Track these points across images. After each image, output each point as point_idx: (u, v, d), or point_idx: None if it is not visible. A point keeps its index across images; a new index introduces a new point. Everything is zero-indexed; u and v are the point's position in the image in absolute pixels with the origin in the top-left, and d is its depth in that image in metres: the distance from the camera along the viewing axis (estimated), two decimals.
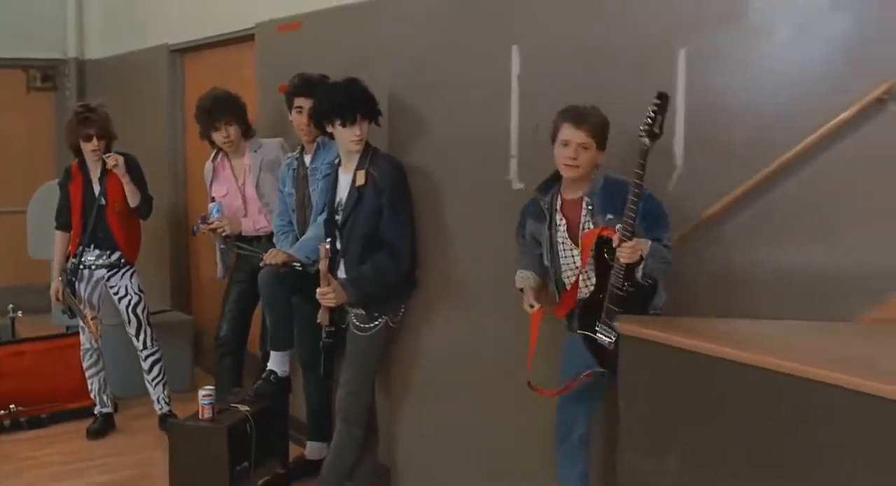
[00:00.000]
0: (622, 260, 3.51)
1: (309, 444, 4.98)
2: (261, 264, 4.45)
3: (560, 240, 3.75)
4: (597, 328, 3.67)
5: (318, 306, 4.21)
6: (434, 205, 4.34)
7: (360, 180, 4.14)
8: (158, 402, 5.65)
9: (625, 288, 3.59)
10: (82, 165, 5.44)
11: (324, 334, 4.29)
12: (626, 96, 3.99)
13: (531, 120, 4.11)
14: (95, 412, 5.71)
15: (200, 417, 4.39)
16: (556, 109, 4.04)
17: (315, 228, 4.43)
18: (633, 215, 3.46)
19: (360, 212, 4.14)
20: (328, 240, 4.21)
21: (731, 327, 3.54)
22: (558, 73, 4.10)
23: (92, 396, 5.69)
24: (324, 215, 4.33)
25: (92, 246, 5.44)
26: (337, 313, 4.26)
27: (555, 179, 3.78)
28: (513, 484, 4.28)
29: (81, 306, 5.43)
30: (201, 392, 4.42)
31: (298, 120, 4.62)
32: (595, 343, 3.66)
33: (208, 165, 5.34)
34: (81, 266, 5.44)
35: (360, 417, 4.31)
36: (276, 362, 4.61)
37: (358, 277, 4.14)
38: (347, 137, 4.12)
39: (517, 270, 3.88)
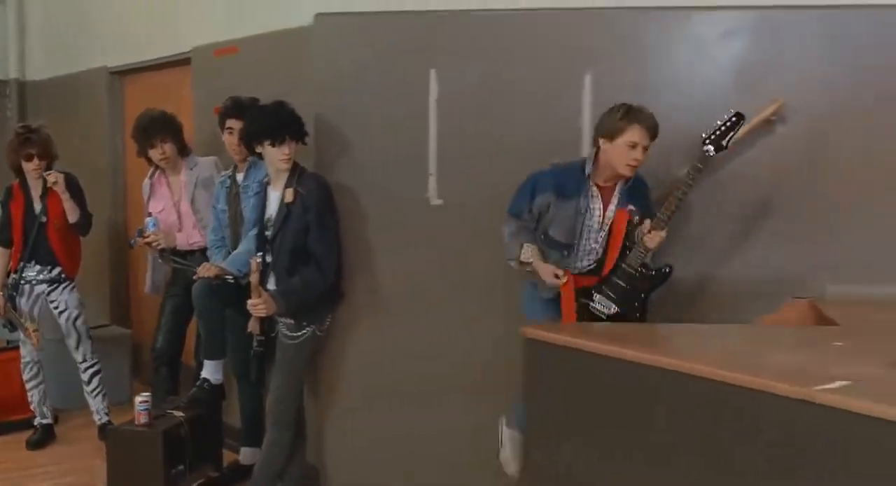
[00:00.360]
0: (649, 246, 3.86)
1: (243, 449, 5.16)
2: (194, 278, 4.65)
3: (589, 224, 4.01)
4: (595, 298, 3.97)
5: (249, 316, 4.42)
6: (359, 220, 4.57)
7: (289, 198, 4.35)
8: (98, 413, 5.81)
9: (640, 270, 3.93)
10: (23, 184, 5.62)
11: (255, 344, 4.49)
12: (536, 118, 4.30)
13: (448, 140, 4.40)
14: (35, 423, 5.85)
15: (137, 422, 4.58)
16: (471, 132, 4.34)
17: (246, 242, 4.64)
18: (672, 211, 3.84)
19: (289, 228, 4.35)
20: (259, 254, 4.41)
21: (626, 329, 3.81)
22: (474, 96, 4.38)
23: (32, 407, 5.84)
24: (254, 231, 4.55)
25: (33, 262, 5.60)
26: (267, 323, 4.47)
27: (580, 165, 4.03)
28: (436, 481, 4.53)
29: (22, 320, 5.59)
30: (137, 399, 4.62)
31: (230, 140, 4.84)
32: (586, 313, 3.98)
33: (146, 182, 5.52)
34: (22, 281, 5.61)
35: (290, 420, 4.51)
36: (210, 371, 4.81)
37: (287, 288, 4.36)
38: (276, 157, 4.33)
39: (522, 243, 4.04)
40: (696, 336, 3.72)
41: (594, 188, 4.02)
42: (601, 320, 3.96)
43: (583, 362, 3.43)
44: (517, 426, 4.05)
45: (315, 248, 4.36)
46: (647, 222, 3.88)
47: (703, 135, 3.87)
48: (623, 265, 3.94)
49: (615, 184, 4.02)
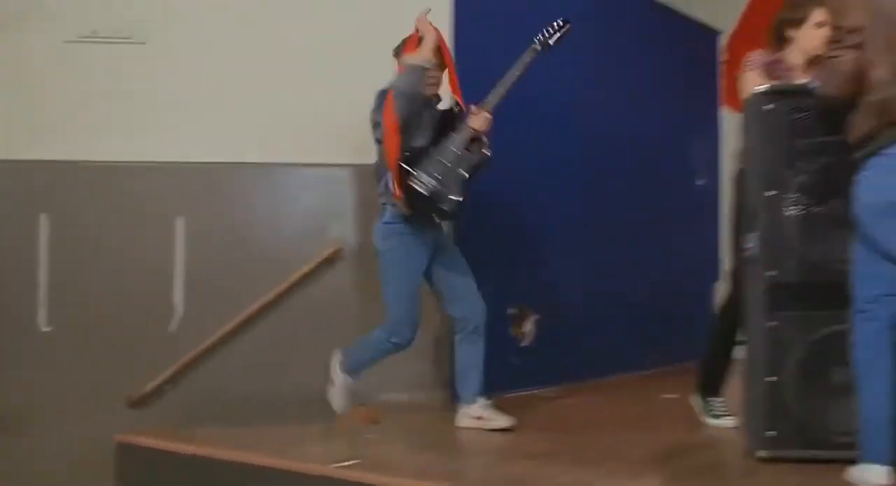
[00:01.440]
0: (473, 126, 4.19)
1: None
2: None
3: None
4: (416, 173, 4.14)
5: None
6: None
7: None
8: None
9: (463, 151, 4.20)
10: None
11: None
12: (134, 256, 4.93)
13: (60, 276, 4.94)
14: None
15: None
16: (79, 268, 4.88)
17: None
18: (501, 96, 4.20)
19: None
20: None
21: (209, 433, 4.42)
22: (80, 239, 4.96)
23: None
24: None
25: None
26: None
27: None
28: None
29: None
30: None
31: None
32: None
33: None
34: None
35: None
36: None
37: None
38: None
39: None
40: (260, 436, 4.41)
41: None
42: (423, 196, 4.11)
43: (169, 463, 4.07)
44: (348, 370, 4.40)
45: None
46: (474, 106, 4.19)
47: (537, 38, 4.28)
48: (450, 147, 4.18)
49: None
